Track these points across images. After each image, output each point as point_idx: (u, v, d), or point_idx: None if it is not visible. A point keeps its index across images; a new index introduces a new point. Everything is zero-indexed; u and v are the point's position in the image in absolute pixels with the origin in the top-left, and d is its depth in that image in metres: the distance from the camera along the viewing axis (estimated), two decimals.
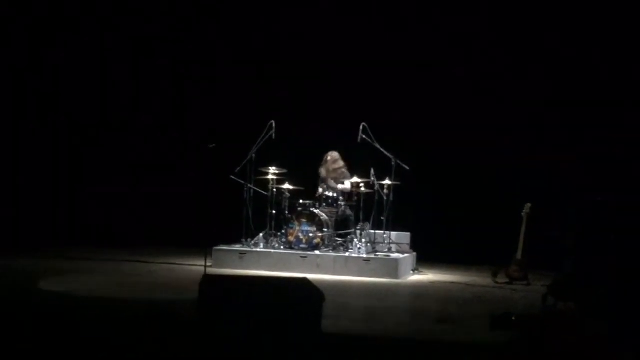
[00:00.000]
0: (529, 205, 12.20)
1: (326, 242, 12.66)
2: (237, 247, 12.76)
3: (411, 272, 12.85)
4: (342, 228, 13.01)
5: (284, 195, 12.89)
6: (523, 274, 12.02)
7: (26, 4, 15.36)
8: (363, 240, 12.58)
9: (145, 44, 15.49)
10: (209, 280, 7.70)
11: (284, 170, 12.87)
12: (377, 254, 12.54)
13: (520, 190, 12.93)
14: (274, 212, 12.88)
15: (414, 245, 13.28)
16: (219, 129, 14.22)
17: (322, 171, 13.23)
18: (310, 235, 12.61)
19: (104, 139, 15.66)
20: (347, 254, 12.49)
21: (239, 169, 12.78)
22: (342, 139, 13.29)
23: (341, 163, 13.15)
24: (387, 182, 12.68)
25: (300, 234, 12.63)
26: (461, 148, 14.16)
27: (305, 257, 12.43)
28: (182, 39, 15.41)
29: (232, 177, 12.78)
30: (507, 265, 12.10)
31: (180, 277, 11.45)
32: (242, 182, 12.84)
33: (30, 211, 15.15)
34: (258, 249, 12.67)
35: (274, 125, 12.80)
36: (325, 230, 12.64)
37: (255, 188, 12.95)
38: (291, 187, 12.87)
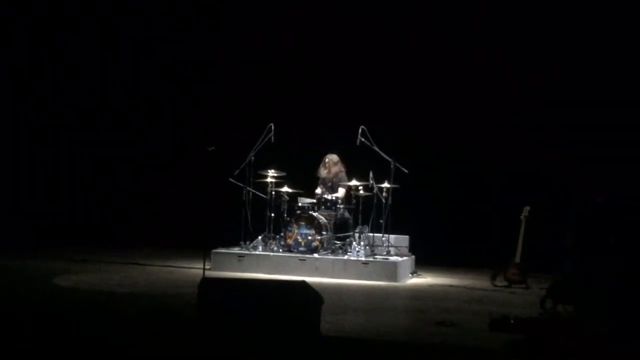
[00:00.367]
0: (527, 208, 12.21)
1: (325, 245, 12.65)
2: (236, 250, 12.76)
3: (410, 275, 12.85)
4: (341, 231, 13.01)
5: (283, 198, 12.88)
6: (522, 277, 12.02)
7: (26, 3, 15.38)
8: (362, 243, 12.57)
9: (144, 44, 15.49)
10: (207, 283, 7.70)
11: (283, 173, 12.87)
12: (376, 256, 12.54)
13: (519, 193, 12.93)
14: (272, 214, 12.88)
15: (413, 248, 13.28)
16: (218, 132, 14.23)
17: (321, 173, 13.22)
18: (309, 238, 12.60)
19: (103, 140, 15.67)
20: (345, 257, 12.48)
21: (238, 171, 12.78)
22: (341, 142, 13.29)
23: (340, 166, 13.14)
24: (385, 185, 12.67)
25: (299, 237, 12.63)
26: (460, 151, 14.17)
27: (304, 260, 12.43)
28: (182, 40, 15.41)
29: (231, 179, 12.78)
30: (506, 268, 12.09)
31: (179, 280, 11.45)
32: (241, 184, 12.84)
33: (29, 211, 15.14)
34: (257, 252, 12.67)
35: (273, 128, 12.81)
36: (324, 233, 12.63)
37: (254, 191, 12.95)
38: (290, 190, 12.87)
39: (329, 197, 12.90)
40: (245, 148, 12.92)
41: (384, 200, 12.66)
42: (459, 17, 14.34)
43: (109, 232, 15.24)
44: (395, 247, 12.90)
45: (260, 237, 12.85)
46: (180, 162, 15.28)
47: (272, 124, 12.83)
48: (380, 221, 12.70)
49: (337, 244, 12.86)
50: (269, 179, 12.81)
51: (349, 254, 12.56)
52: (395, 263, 12.35)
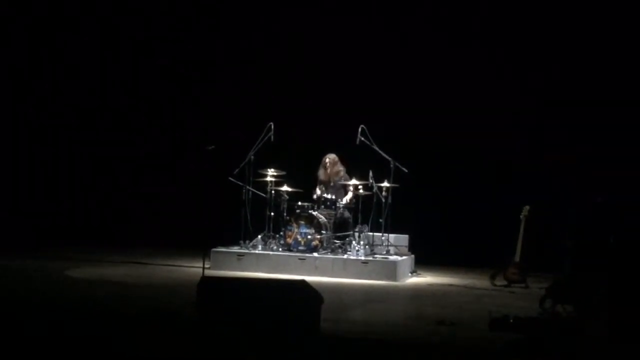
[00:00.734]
0: (527, 207, 12.21)
1: (324, 244, 12.65)
2: (235, 249, 12.76)
3: (409, 274, 12.85)
4: (341, 230, 13.01)
5: (283, 197, 12.89)
6: (521, 276, 12.02)
7: (26, 3, 15.38)
8: (361, 242, 12.57)
9: (144, 44, 15.49)
10: (207, 282, 7.70)
11: (283, 172, 12.87)
12: (376, 256, 12.54)
13: (518, 193, 12.93)
14: (272, 214, 12.88)
15: (413, 248, 13.28)
16: (217, 131, 14.23)
17: (321, 174, 13.22)
18: (309, 237, 12.60)
19: (103, 139, 15.67)
20: (345, 256, 12.48)
21: (237, 170, 12.78)
22: (340, 141, 13.29)
23: (340, 166, 13.14)
24: (385, 184, 12.68)
25: (298, 236, 12.63)
26: (459, 150, 14.16)
27: (304, 259, 12.43)
28: (182, 40, 15.41)
29: (231, 178, 12.78)
30: (506, 267, 12.10)
31: (179, 279, 11.44)
32: (241, 183, 12.84)
33: (28, 211, 15.13)
34: (256, 251, 12.67)
35: (272, 127, 12.81)
36: (324, 232, 12.63)
37: (254, 190, 12.96)
38: (290, 189, 12.87)
39: (330, 197, 12.88)
40: (245, 147, 12.91)
41: (383, 200, 12.66)
42: (459, 17, 14.33)
43: (109, 231, 15.23)
44: (394, 246, 12.90)
45: (260, 236, 12.85)
46: (180, 162, 15.27)
47: (271, 123, 12.83)
48: (380, 220, 12.70)
49: (336, 243, 12.86)
50: (268, 178, 12.81)
51: (348, 253, 12.56)
52: (394, 262, 12.35)
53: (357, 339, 8.08)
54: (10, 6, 15.29)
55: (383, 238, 12.80)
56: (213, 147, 11.19)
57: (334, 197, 12.91)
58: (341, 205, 12.91)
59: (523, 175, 13.67)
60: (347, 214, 13.00)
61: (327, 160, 13.15)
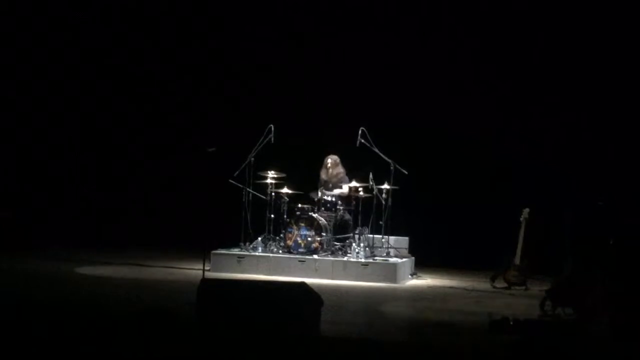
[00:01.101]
0: (527, 210, 12.21)
1: (324, 247, 12.65)
2: (236, 251, 12.76)
3: (409, 276, 12.85)
4: (341, 232, 13.01)
5: (283, 200, 12.89)
6: (521, 278, 12.02)
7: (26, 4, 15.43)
8: (361, 244, 12.57)
9: (145, 44, 15.49)
10: (207, 285, 7.71)
11: (283, 175, 12.87)
12: (376, 258, 12.54)
13: (519, 195, 12.93)
14: (272, 216, 12.88)
15: (412, 250, 13.28)
16: (218, 133, 14.24)
17: (323, 175, 13.22)
18: (309, 239, 12.60)
19: (101, 141, 15.68)
20: (345, 259, 12.48)
21: (237, 172, 12.78)
22: (340, 143, 13.30)
23: (341, 168, 13.14)
24: (385, 186, 12.68)
25: (298, 238, 12.63)
26: (459, 152, 14.17)
27: (304, 261, 12.43)
28: (183, 42, 15.41)
29: (231, 180, 12.78)
30: (506, 269, 12.10)
31: (179, 281, 11.44)
32: (241, 186, 12.84)
33: (29, 212, 15.13)
34: (256, 253, 12.66)
35: (272, 129, 12.81)
36: (324, 234, 12.64)
37: (254, 192, 12.96)
38: (290, 192, 12.87)
39: (329, 197, 12.89)
40: (245, 149, 12.92)
41: (383, 202, 12.66)
42: (460, 18, 14.33)
43: (109, 233, 15.23)
44: (394, 248, 12.90)
45: (260, 238, 12.85)
46: (180, 164, 15.26)
47: (272, 125, 12.83)
48: (380, 222, 12.70)
49: (336, 245, 12.86)
50: (268, 180, 12.81)
51: (348, 255, 12.56)
52: (394, 264, 12.35)
53: (357, 341, 8.08)
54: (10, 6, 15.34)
55: (383, 240, 12.80)
56: (214, 149, 11.20)
57: (333, 198, 12.91)
58: (340, 208, 12.91)
59: (523, 177, 13.66)
60: (347, 216, 13.00)
61: (329, 160, 13.15)
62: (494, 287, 12.06)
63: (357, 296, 11.02)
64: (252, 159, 12.79)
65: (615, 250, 9.31)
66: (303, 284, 7.82)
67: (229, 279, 10.83)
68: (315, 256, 12.48)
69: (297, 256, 12.51)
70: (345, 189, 12.96)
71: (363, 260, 12.37)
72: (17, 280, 11.18)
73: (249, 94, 15.06)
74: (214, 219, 13.33)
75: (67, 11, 15.49)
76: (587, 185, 12.68)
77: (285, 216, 12.88)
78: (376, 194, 12.68)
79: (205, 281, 7.96)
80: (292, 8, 14.80)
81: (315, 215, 12.67)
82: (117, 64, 15.58)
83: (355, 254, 12.47)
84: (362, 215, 12.71)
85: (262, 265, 12.46)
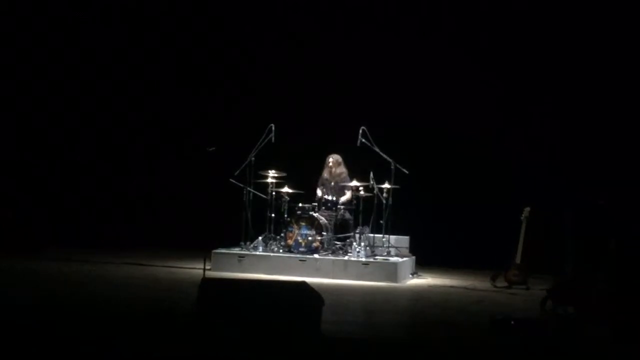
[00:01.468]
0: (528, 209, 12.21)
1: (325, 246, 12.65)
2: (236, 250, 12.75)
3: (410, 275, 12.85)
4: (341, 232, 13.00)
5: (283, 199, 12.89)
6: (522, 278, 12.02)
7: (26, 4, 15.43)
8: (362, 243, 12.57)
9: (145, 44, 15.49)
10: (208, 284, 7.70)
11: (284, 174, 12.87)
12: (376, 257, 12.54)
13: (519, 194, 12.93)
14: (273, 215, 12.88)
15: (413, 249, 13.28)
16: (218, 132, 14.24)
17: (325, 174, 13.22)
18: (309, 238, 12.60)
19: (102, 140, 15.68)
20: (346, 258, 12.48)
21: (238, 172, 12.78)
22: (341, 142, 13.30)
23: (343, 167, 13.15)
24: (386, 185, 12.68)
25: (299, 238, 12.62)
26: (459, 152, 14.17)
27: (304, 260, 12.43)
28: (183, 40, 15.41)
29: (232, 180, 12.78)
30: (506, 269, 12.10)
31: (180, 280, 11.43)
32: (242, 185, 12.83)
33: (30, 212, 15.12)
34: (257, 252, 12.67)
35: (273, 128, 12.81)
36: (324, 233, 12.63)
37: (255, 191, 12.95)
38: (290, 191, 12.87)
39: (331, 198, 12.88)
40: (245, 149, 12.91)
41: (384, 201, 12.66)
42: (458, 20, 14.33)
43: (110, 232, 15.23)
44: (395, 247, 12.90)
45: (260, 238, 12.85)
46: (180, 163, 15.27)
47: (272, 124, 12.83)
48: (381, 222, 12.70)
49: (337, 244, 12.86)
50: (269, 180, 12.81)
51: (349, 254, 12.55)
52: (395, 264, 12.35)
53: (358, 341, 8.08)
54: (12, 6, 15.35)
55: (384, 239, 12.80)
56: (214, 148, 11.19)
57: (334, 198, 12.91)
58: (341, 207, 12.91)
59: (523, 176, 13.65)
60: (347, 215, 12.99)
61: (331, 160, 13.16)
62: (495, 286, 12.06)
63: (357, 295, 11.01)
64: (253, 158, 12.79)
65: (616, 250, 9.31)
66: (304, 283, 7.81)
67: (229, 279, 10.82)
68: (316, 255, 12.48)
69: (298, 255, 12.51)
70: (348, 195, 12.96)
71: (364, 259, 12.37)
72: (17, 280, 11.18)
73: (249, 93, 15.06)
74: (215, 218, 13.37)
75: (67, 11, 15.48)
76: (587, 185, 12.67)
77: (285, 215, 12.88)
78: (377, 194, 12.67)
79: (205, 280, 7.95)
80: (292, 8, 14.79)
81: (315, 214, 12.67)
82: (117, 64, 15.58)
83: (355, 253, 12.47)
84: (362, 214, 12.70)
85: (262, 264, 12.46)
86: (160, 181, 15.39)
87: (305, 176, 13.35)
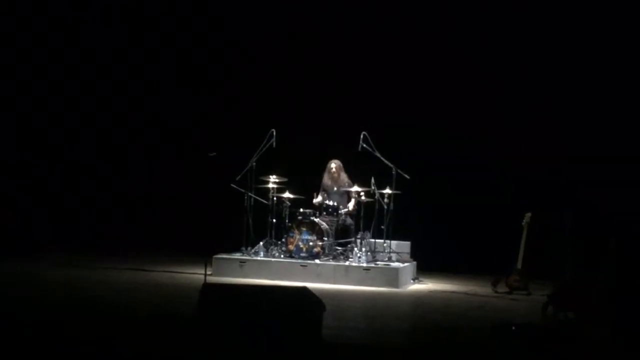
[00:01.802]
0: (529, 214, 12.20)
1: (326, 251, 12.65)
2: (237, 256, 12.75)
3: (411, 281, 12.84)
4: (343, 237, 12.99)
5: (284, 204, 12.89)
6: (523, 283, 12.01)
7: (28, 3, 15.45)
8: (363, 249, 12.56)
9: (145, 46, 15.49)
10: (209, 290, 7.70)
11: (285, 179, 12.87)
12: (377, 263, 12.53)
13: (520, 200, 12.92)
14: (274, 220, 12.88)
15: (414, 254, 13.26)
16: (218, 134, 14.25)
17: (326, 179, 13.22)
18: (311, 244, 12.60)
19: (102, 143, 15.67)
20: (347, 263, 12.47)
21: (239, 177, 12.78)
22: (342, 147, 13.30)
23: (343, 173, 13.15)
24: (387, 191, 12.67)
25: (300, 243, 12.62)
26: (461, 157, 14.15)
27: (306, 265, 12.42)
28: (184, 43, 15.41)
29: (233, 185, 12.78)
30: (508, 274, 12.09)
31: (181, 285, 11.42)
32: (243, 190, 12.84)
33: (30, 212, 15.11)
34: (258, 258, 12.66)
35: (274, 133, 12.82)
36: (326, 239, 12.63)
37: (256, 197, 12.96)
38: (291, 196, 12.87)
39: (332, 203, 12.87)
40: (246, 153, 12.92)
41: (385, 206, 12.65)
42: (460, 21, 14.33)
43: (111, 237, 15.22)
44: (396, 253, 12.89)
45: (261, 243, 12.84)
46: (182, 168, 15.27)
47: (273, 129, 12.84)
48: (382, 227, 12.69)
49: (338, 249, 12.85)
50: (270, 185, 12.81)
51: (350, 259, 12.55)
52: (396, 269, 12.34)
53: (359, 346, 8.08)
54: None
55: (385, 245, 12.79)
56: (215, 154, 11.20)
57: (336, 203, 12.92)
58: (343, 212, 12.92)
59: (525, 181, 13.65)
60: (349, 220, 12.99)
61: (333, 165, 13.15)
62: (496, 291, 12.05)
63: (358, 301, 11.01)
64: (254, 163, 12.79)
65: (616, 252, 9.31)
66: (304, 288, 7.81)
67: (230, 284, 10.82)
68: (317, 261, 12.47)
69: (299, 261, 12.50)
70: (352, 204, 12.95)
71: (365, 265, 12.36)
72: (17, 282, 11.18)
73: (249, 94, 15.03)
74: (216, 223, 13.36)
75: (67, 11, 15.49)
76: (587, 185, 12.67)
77: (287, 221, 12.88)
78: (378, 199, 12.67)
79: (207, 286, 7.95)
80: (292, 8, 14.78)
81: (316, 219, 12.66)
82: (117, 65, 15.57)
83: (357, 258, 12.46)
84: (363, 219, 12.70)
85: (263, 269, 12.45)
86: (161, 183, 15.37)
87: (307, 181, 13.34)
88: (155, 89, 15.54)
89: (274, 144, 12.80)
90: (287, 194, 12.85)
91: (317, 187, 13.25)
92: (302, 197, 13.00)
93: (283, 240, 12.82)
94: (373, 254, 12.66)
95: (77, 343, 7.53)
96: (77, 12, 15.50)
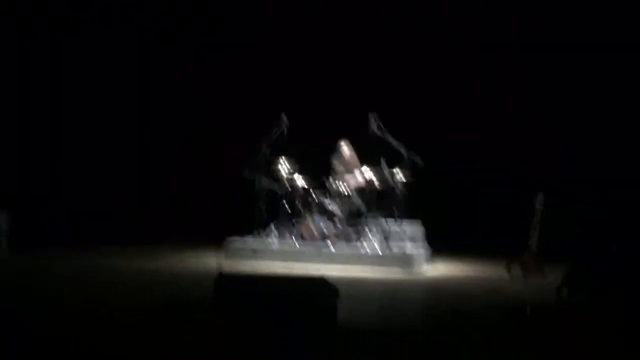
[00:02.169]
0: (542, 195, 12.15)
1: (339, 235, 12.63)
2: (250, 240, 12.76)
3: (425, 265, 12.82)
4: (355, 220, 12.98)
5: (296, 188, 12.87)
6: (537, 266, 11.98)
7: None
8: (376, 232, 12.54)
9: (153, 27, 15.46)
10: (223, 278, 7.70)
11: (296, 164, 12.86)
12: (390, 247, 12.51)
13: (534, 181, 12.89)
14: (286, 204, 12.87)
15: (427, 238, 13.25)
16: (231, 121, 14.25)
17: (336, 162, 13.20)
18: (323, 227, 12.59)
19: (112, 132, 15.69)
20: (360, 247, 12.46)
21: (251, 162, 12.76)
22: (353, 130, 13.26)
23: (353, 155, 13.12)
24: (398, 173, 12.64)
25: (312, 227, 12.62)
26: (474, 139, 14.12)
27: (318, 250, 12.42)
28: (192, 27, 15.37)
29: (245, 170, 12.76)
30: (522, 257, 12.05)
31: (195, 271, 11.42)
32: (255, 175, 12.82)
33: (45, 206, 15.14)
34: (271, 242, 12.66)
35: (285, 118, 12.79)
36: (338, 223, 12.61)
37: (268, 181, 12.94)
38: (303, 180, 12.85)
39: (344, 186, 12.87)
40: (258, 137, 12.89)
41: (397, 190, 12.62)
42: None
43: (124, 224, 15.26)
44: (409, 236, 12.87)
45: (274, 228, 12.84)
46: (195, 154, 15.29)
47: (283, 113, 12.81)
48: (394, 210, 12.67)
49: (351, 233, 12.84)
50: (282, 169, 12.80)
51: (363, 243, 12.53)
52: (409, 253, 12.32)
53: (374, 332, 8.08)
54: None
55: (398, 228, 12.77)
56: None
57: (347, 186, 12.89)
58: (354, 195, 12.90)
59: (539, 162, 13.62)
60: (361, 204, 12.97)
61: (343, 148, 13.13)
62: (510, 274, 12.02)
63: (372, 286, 11.00)
64: (266, 148, 12.77)
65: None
66: (320, 276, 7.81)
67: (245, 272, 10.83)
68: (330, 244, 12.46)
69: (312, 245, 12.49)
70: (359, 178, 12.94)
71: (378, 249, 12.35)
72: (32, 275, 11.22)
73: (262, 81, 15.01)
74: (229, 208, 13.37)
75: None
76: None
77: (299, 205, 12.87)
78: (389, 182, 12.63)
79: (221, 275, 7.95)
80: None
81: (329, 203, 12.64)
82: (125, 49, 15.54)
83: (369, 242, 12.45)
84: (376, 203, 12.67)
85: (276, 254, 12.45)
86: (174, 172, 15.40)
87: (318, 165, 13.33)
88: (166, 69, 15.54)
89: (285, 129, 12.77)
90: (298, 178, 12.83)
91: (328, 171, 13.24)
92: (314, 180, 12.99)
93: (295, 224, 12.82)
94: (386, 237, 12.63)
95: (90, 332, 7.55)
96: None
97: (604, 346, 7.42)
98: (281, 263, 12.19)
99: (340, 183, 12.97)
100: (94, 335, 7.47)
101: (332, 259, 12.28)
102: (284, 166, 12.78)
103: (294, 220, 12.83)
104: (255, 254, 12.44)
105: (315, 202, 12.68)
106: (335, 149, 13.23)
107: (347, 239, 12.71)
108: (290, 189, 12.88)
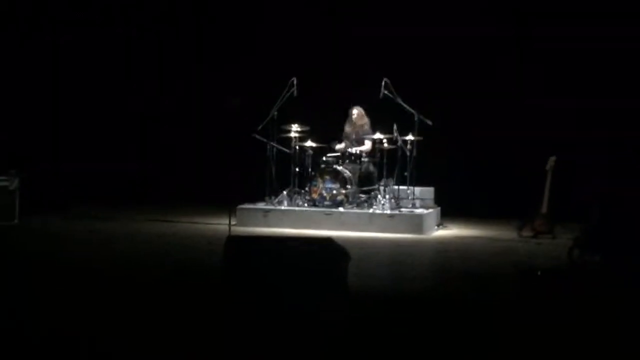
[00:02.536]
0: (553, 158, 12.11)
1: (350, 199, 12.64)
2: (261, 205, 12.77)
3: (435, 227, 12.82)
4: (366, 184, 12.98)
5: (307, 153, 12.86)
6: (548, 227, 11.96)
7: None
8: (387, 196, 12.54)
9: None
10: (233, 241, 7.71)
11: (307, 128, 12.83)
12: (401, 209, 12.51)
13: (545, 143, 12.84)
14: (297, 169, 12.87)
15: (438, 200, 13.24)
16: (241, 86, 14.20)
17: (347, 127, 13.17)
18: (334, 192, 12.59)
19: (123, 99, 15.68)
20: (371, 210, 12.47)
21: (261, 126, 12.74)
22: (364, 94, 13.21)
23: (365, 119, 13.08)
24: (410, 137, 12.61)
25: (323, 191, 12.62)
26: (484, 101, 14.05)
27: (329, 214, 12.43)
28: None
29: (255, 135, 12.75)
30: (533, 218, 12.04)
31: (205, 236, 11.45)
32: (265, 140, 12.81)
33: (57, 170, 15.15)
34: (282, 207, 12.67)
35: (295, 82, 12.74)
36: (349, 186, 12.62)
37: (278, 146, 12.93)
38: (314, 145, 12.84)
39: (354, 150, 12.86)
40: (268, 103, 12.86)
41: (408, 153, 12.60)
42: None
43: (135, 189, 15.29)
44: (420, 199, 12.86)
45: (285, 192, 12.85)
46: (204, 119, 15.28)
47: (294, 78, 12.75)
48: (405, 174, 12.66)
49: (362, 197, 12.84)
50: (292, 134, 12.78)
51: (374, 207, 12.53)
52: (420, 215, 12.32)
53: (384, 294, 8.09)
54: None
55: (408, 191, 12.76)
56: (238, 99, 11.14)
57: (357, 150, 12.87)
58: (366, 160, 12.88)
59: (549, 124, 13.53)
60: (372, 167, 12.96)
61: (354, 112, 13.09)
62: (521, 236, 12.01)
63: (383, 248, 11.01)
64: (276, 112, 12.74)
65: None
66: (329, 239, 7.80)
67: (254, 235, 10.85)
68: (341, 209, 12.47)
69: (323, 209, 12.51)
70: (367, 145, 12.92)
71: (389, 211, 12.35)
72: (44, 239, 11.27)
73: (272, 46, 14.94)
74: (239, 173, 13.36)
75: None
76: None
77: (310, 169, 12.86)
78: (400, 145, 12.61)
79: (231, 238, 7.96)
80: None
81: (339, 167, 12.64)
82: (140, 20, 15.51)
83: (380, 205, 12.45)
84: (386, 166, 12.66)
85: (287, 219, 12.47)
86: (184, 137, 15.40)
87: (329, 129, 13.31)
88: (175, 38, 15.51)
89: (295, 92, 12.73)
90: (309, 143, 12.81)
91: (339, 135, 13.22)
92: (325, 145, 12.97)
93: (306, 189, 12.82)
94: (397, 200, 12.63)
95: (99, 297, 7.59)
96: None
97: (613, 309, 7.41)
98: (292, 228, 12.21)
99: (352, 147, 12.95)
100: (102, 299, 7.51)
101: (343, 222, 12.29)
102: (294, 130, 12.75)
103: (306, 187, 12.83)
104: (266, 217, 12.45)
105: (327, 167, 12.65)
106: (346, 113, 13.18)
107: (359, 202, 12.71)
108: (300, 154, 12.86)
